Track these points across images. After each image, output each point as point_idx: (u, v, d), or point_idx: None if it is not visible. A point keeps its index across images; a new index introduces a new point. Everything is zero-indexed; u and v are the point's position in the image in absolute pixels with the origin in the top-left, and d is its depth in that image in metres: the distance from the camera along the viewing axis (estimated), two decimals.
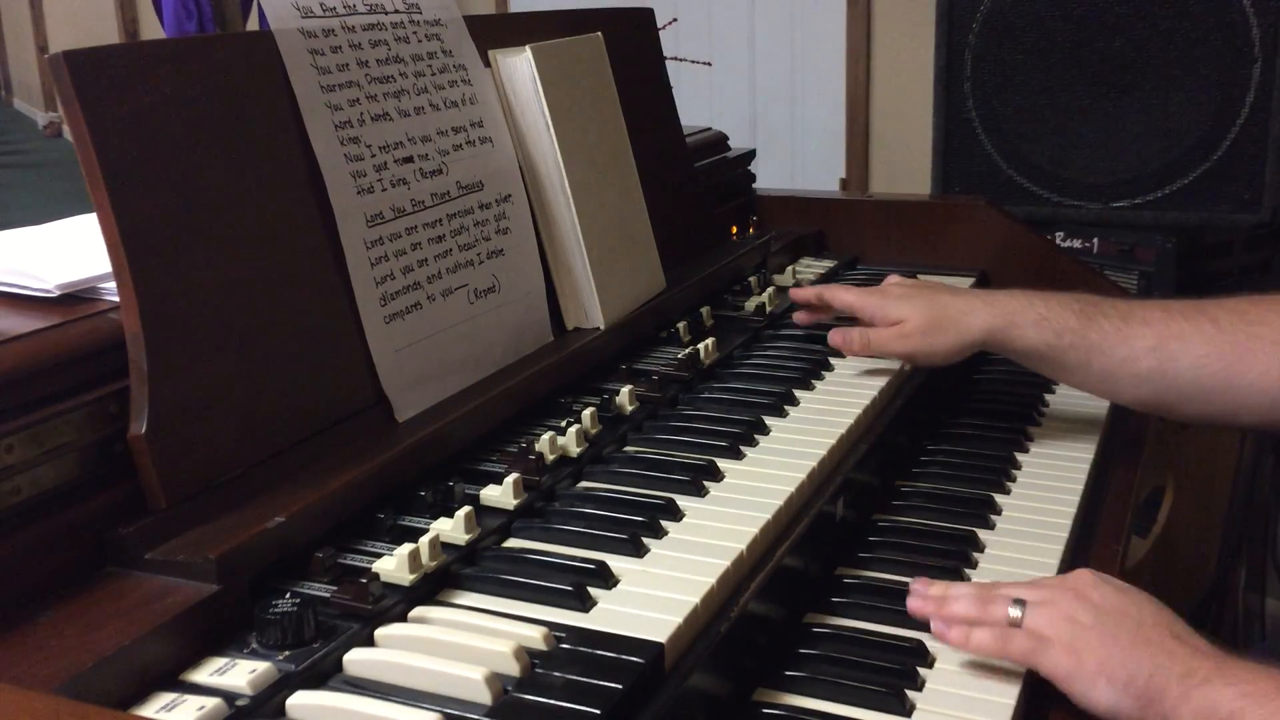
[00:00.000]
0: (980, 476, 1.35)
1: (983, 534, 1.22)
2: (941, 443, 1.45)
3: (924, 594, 1.06)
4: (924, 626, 1.05)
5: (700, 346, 1.42)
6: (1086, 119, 2.34)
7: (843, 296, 1.47)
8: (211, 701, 0.76)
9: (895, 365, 1.43)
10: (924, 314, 1.38)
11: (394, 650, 0.84)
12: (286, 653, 0.82)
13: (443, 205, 1.23)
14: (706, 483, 1.12)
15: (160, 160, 0.96)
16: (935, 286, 1.47)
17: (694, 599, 0.91)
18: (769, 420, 1.27)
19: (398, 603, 0.89)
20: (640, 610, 0.90)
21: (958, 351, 1.38)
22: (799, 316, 1.56)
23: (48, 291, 1.03)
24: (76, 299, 1.03)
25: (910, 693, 0.96)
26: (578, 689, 0.79)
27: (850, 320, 1.48)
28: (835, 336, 1.44)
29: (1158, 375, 1.27)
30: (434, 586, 0.93)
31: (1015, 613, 0.99)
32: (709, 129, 2.02)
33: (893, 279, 1.52)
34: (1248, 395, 1.22)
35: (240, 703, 0.77)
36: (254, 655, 0.82)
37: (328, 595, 0.88)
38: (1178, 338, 1.26)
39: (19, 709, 0.63)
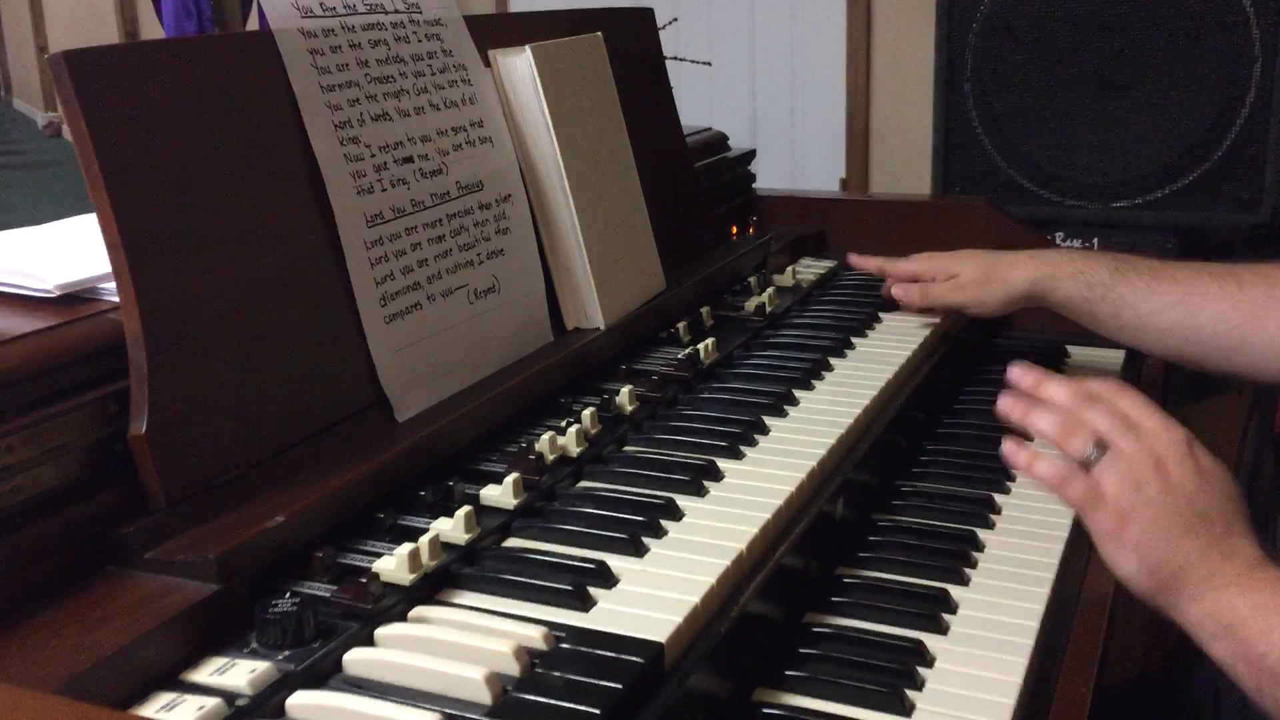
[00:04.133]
0: (980, 476, 1.35)
1: (983, 534, 1.22)
2: (941, 443, 1.45)
3: (1017, 387, 1.08)
4: (924, 627, 1.05)
5: (700, 346, 1.42)
6: (1086, 119, 2.34)
7: (904, 267, 1.62)
8: (211, 701, 0.76)
9: (894, 365, 1.43)
10: (976, 269, 1.53)
11: (394, 650, 0.84)
12: (286, 652, 0.82)
13: (443, 205, 1.23)
14: (706, 483, 1.12)
15: (160, 160, 0.96)
16: (989, 251, 1.60)
17: (694, 599, 0.91)
18: (769, 420, 1.27)
19: (398, 602, 0.89)
20: (640, 610, 0.90)
21: (1005, 303, 1.52)
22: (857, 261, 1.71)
23: (48, 291, 1.03)
24: (76, 299, 1.03)
25: (910, 693, 0.96)
26: (578, 689, 0.79)
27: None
28: (897, 291, 1.60)
29: (1181, 329, 1.34)
30: (434, 586, 0.93)
31: (1090, 454, 0.99)
32: (709, 129, 2.02)
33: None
34: (1264, 353, 1.27)
35: (240, 702, 0.77)
36: (254, 655, 0.82)
37: (328, 595, 0.88)
38: (1201, 294, 1.32)
39: (19, 709, 0.63)
